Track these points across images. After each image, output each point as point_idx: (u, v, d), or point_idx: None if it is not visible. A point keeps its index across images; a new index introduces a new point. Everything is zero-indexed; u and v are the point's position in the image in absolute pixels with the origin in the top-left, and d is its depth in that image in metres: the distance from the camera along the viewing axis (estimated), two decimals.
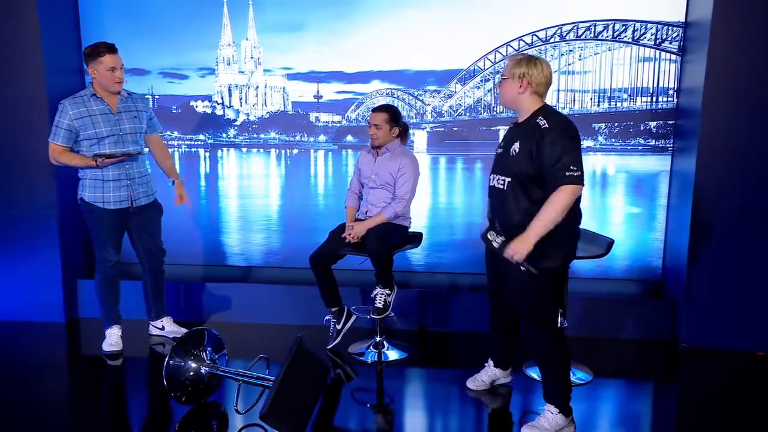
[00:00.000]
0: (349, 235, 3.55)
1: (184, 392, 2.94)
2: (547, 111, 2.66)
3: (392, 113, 3.60)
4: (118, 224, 3.59)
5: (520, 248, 2.53)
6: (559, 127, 2.58)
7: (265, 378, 2.81)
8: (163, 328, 3.88)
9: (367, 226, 3.56)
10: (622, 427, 3.06)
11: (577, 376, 3.38)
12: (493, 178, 2.78)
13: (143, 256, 3.75)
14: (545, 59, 2.74)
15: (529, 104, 2.68)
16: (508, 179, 2.66)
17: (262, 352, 3.83)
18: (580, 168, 2.54)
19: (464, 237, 4.36)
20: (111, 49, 3.40)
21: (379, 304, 3.58)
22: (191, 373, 2.97)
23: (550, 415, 2.72)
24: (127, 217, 3.59)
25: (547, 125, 2.57)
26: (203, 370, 2.98)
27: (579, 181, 2.51)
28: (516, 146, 2.64)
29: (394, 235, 3.57)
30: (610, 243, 3.24)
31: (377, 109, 3.62)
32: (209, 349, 3.08)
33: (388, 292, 3.61)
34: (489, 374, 3.23)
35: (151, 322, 3.92)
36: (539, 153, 2.55)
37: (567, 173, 2.50)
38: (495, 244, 2.63)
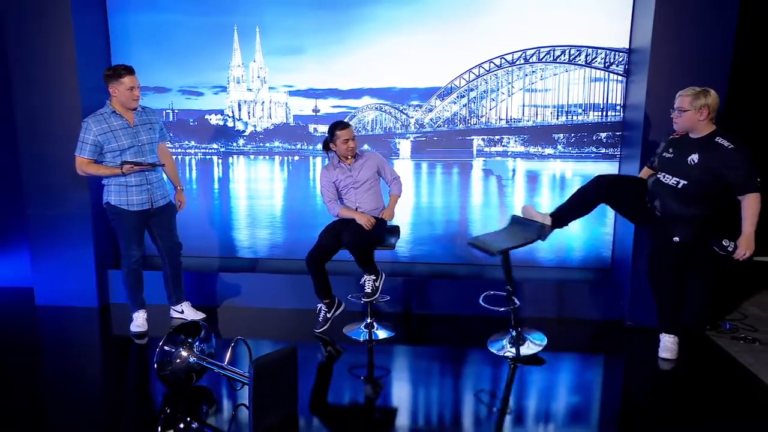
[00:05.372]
0: (369, 223, 3.59)
1: (172, 376, 2.94)
2: (722, 133, 3.07)
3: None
4: (140, 224, 3.64)
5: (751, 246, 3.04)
6: (743, 146, 3.01)
7: (242, 374, 2.78)
8: (182, 312, 3.95)
9: (393, 208, 3.76)
10: (578, 392, 3.19)
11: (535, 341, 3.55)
12: (664, 176, 3.21)
13: (164, 250, 3.80)
14: (711, 90, 3.08)
15: (707, 127, 3.08)
16: (684, 182, 3.10)
17: (266, 332, 3.88)
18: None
19: (443, 232, 4.42)
20: (130, 71, 3.42)
21: (368, 289, 3.68)
22: (178, 360, 2.95)
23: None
24: (147, 216, 3.65)
25: (732, 145, 2.99)
26: (191, 359, 2.97)
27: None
28: (695, 157, 3.06)
29: (371, 231, 3.62)
30: (539, 227, 3.33)
31: (346, 125, 3.62)
32: (198, 341, 3.04)
33: (374, 278, 3.69)
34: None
35: (172, 307, 3.98)
36: (726, 166, 2.99)
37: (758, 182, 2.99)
38: (730, 249, 3.09)
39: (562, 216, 3.38)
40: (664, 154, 3.28)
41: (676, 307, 3.39)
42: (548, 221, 3.32)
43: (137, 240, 3.66)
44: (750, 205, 3.01)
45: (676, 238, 3.20)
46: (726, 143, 3.02)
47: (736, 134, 3.11)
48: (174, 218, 3.83)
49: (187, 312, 3.98)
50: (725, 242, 3.09)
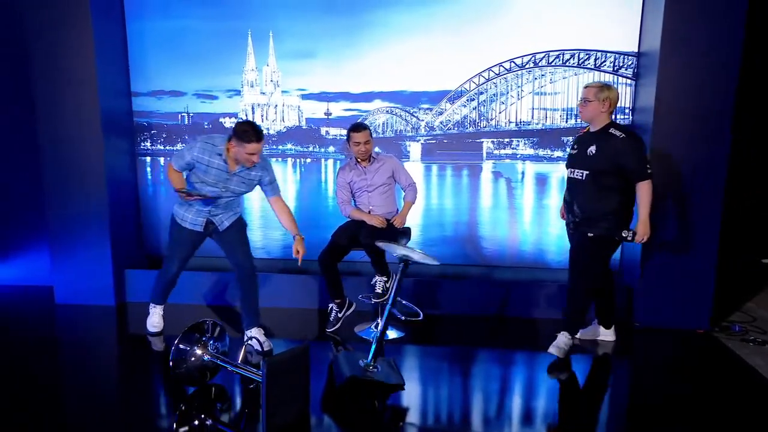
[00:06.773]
0: (381, 223, 3.63)
1: (186, 373, 2.95)
2: (616, 125, 3.26)
3: (370, 129, 3.69)
4: (189, 242, 3.50)
5: (647, 231, 3.21)
6: (634, 136, 3.20)
7: (255, 373, 2.80)
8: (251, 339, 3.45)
9: (406, 215, 3.73)
10: (586, 392, 3.19)
11: None
12: (572, 172, 3.35)
13: (236, 271, 3.57)
14: (613, 86, 3.32)
15: (605, 119, 3.25)
16: (586, 172, 3.23)
17: (279, 331, 3.89)
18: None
19: (453, 233, 4.43)
20: (259, 138, 3.17)
21: (378, 289, 3.67)
22: (193, 358, 2.96)
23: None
24: (200, 238, 3.51)
25: (624, 135, 3.16)
26: (206, 357, 2.97)
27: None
28: (593, 148, 3.20)
29: (386, 231, 3.64)
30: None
31: (361, 128, 3.60)
32: (213, 339, 3.04)
33: (386, 279, 3.68)
34: (593, 330, 3.75)
35: (245, 331, 3.59)
36: (619, 155, 3.14)
37: (649, 170, 3.15)
38: (629, 237, 3.23)
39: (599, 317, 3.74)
40: (571, 152, 3.44)
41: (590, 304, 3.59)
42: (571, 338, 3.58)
43: (179, 257, 3.53)
44: (643, 192, 3.18)
45: (590, 234, 3.30)
46: (618, 133, 3.19)
47: (629, 129, 3.41)
48: (240, 236, 3.53)
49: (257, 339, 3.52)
50: (624, 233, 3.25)
